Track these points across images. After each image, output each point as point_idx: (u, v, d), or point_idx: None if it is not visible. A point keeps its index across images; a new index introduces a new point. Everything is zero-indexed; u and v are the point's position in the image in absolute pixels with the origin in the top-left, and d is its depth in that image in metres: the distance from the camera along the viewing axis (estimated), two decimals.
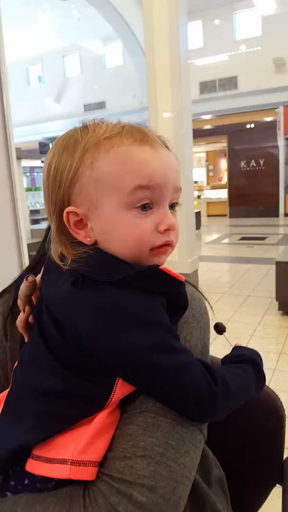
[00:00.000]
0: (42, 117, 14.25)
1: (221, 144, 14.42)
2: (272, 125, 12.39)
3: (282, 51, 11.02)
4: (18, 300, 0.62)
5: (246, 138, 13.06)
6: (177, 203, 0.58)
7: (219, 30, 12.12)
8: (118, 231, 0.53)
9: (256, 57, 11.52)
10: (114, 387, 0.52)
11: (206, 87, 12.36)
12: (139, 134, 0.54)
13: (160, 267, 0.53)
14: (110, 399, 0.52)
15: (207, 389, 0.50)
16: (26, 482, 0.52)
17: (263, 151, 12.86)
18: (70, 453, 0.49)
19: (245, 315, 4.00)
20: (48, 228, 0.73)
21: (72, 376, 0.52)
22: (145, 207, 0.53)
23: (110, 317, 0.49)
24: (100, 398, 0.52)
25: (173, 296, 0.54)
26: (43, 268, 0.60)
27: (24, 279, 0.60)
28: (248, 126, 12.96)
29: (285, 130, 12.19)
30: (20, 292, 0.61)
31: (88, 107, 13.99)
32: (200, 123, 12.61)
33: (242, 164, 13.27)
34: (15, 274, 0.73)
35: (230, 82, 12.15)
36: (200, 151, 15.73)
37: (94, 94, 13.71)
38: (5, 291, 0.76)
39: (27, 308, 0.62)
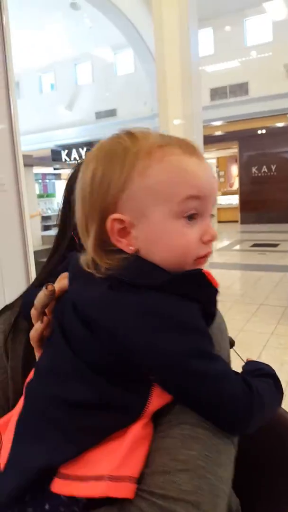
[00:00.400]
0: (54, 125, 14.40)
1: (232, 150, 14.38)
2: (284, 131, 12.32)
3: None
4: (33, 311, 0.61)
5: (257, 144, 13.00)
6: (212, 215, 0.58)
7: (229, 37, 12.14)
8: (165, 240, 0.52)
9: (267, 63, 11.50)
10: (150, 397, 0.50)
11: (217, 93, 12.36)
12: (186, 146, 0.55)
13: (203, 271, 0.54)
14: (145, 409, 0.50)
15: (243, 399, 0.49)
16: (47, 507, 0.47)
17: (274, 157, 12.78)
18: (106, 468, 0.46)
19: (258, 324, 3.96)
20: (57, 243, 0.74)
21: (106, 385, 0.49)
22: (191, 217, 0.53)
23: (149, 319, 0.48)
24: (135, 408, 0.50)
25: (205, 303, 0.53)
26: (68, 275, 0.59)
27: (44, 287, 0.59)
28: (259, 132, 12.91)
29: None
30: (36, 302, 0.60)
31: (99, 115, 14.10)
32: (210, 129, 12.60)
33: (253, 170, 13.20)
34: (21, 281, 0.73)
35: (241, 88, 12.14)
36: (211, 157, 15.71)
37: (105, 101, 13.82)
38: (8, 307, 0.75)
39: (45, 318, 0.60)
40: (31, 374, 0.58)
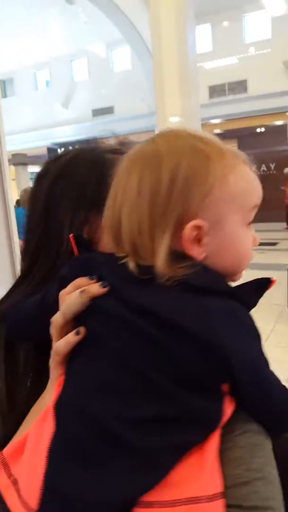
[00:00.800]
0: (50, 123, 14.40)
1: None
2: (283, 129, 12.36)
3: None
4: (61, 319, 0.54)
5: (256, 142, 13.04)
6: None
7: (228, 33, 12.18)
8: (236, 247, 0.54)
9: (266, 60, 11.53)
10: (223, 407, 0.49)
11: (215, 91, 12.40)
12: (241, 154, 0.57)
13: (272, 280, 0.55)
14: (221, 418, 0.48)
15: None
16: None
17: (273, 156, 12.82)
18: (198, 488, 0.44)
19: (257, 323, 3.96)
20: (28, 271, 0.69)
21: (185, 396, 0.47)
22: (248, 225, 0.56)
23: (234, 324, 0.49)
24: (214, 419, 0.48)
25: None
26: (114, 281, 0.54)
27: (79, 292, 0.53)
28: (258, 130, 12.94)
29: None
30: (66, 309, 0.54)
31: (96, 112, 14.11)
32: (209, 127, 12.62)
33: (253, 168, 13.24)
34: (6, 283, 0.70)
35: (239, 86, 12.18)
36: None
37: (102, 99, 13.83)
38: None
39: (82, 328, 0.52)
40: (54, 395, 0.52)
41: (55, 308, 0.56)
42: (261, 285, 0.54)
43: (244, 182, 0.54)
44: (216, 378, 0.48)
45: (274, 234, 10.25)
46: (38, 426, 0.50)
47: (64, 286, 0.56)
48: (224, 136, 13.51)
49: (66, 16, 11.64)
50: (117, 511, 0.43)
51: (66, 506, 0.43)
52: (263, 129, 12.93)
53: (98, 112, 14.06)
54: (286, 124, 12.37)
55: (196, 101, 4.92)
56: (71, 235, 0.62)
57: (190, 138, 0.54)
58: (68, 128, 14.00)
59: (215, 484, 0.44)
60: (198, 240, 0.51)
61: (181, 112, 4.77)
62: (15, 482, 0.49)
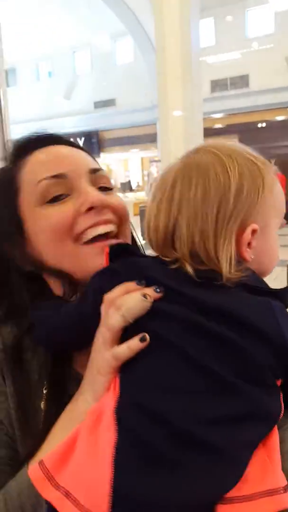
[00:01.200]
0: (52, 114, 14.32)
1: None
2: (285, 124, 12.31)
3: None
4: (121, 323, 0.53)
5: (258, 137, 12.99)
6: None
7: (231, 27, 12.09)
8: (274, 248, 0.61)
9: (268, 55, 11.45)
10: (281, 400, 0.52)
11: (217, 85, 12.33)
12: (272, 166, 0.63)
13: None
14: (281, 413, 0.51)
15: None
16: None
17: (275, 151, 12.77)
18: (274, 480, 0.46)
19: None
20: None
21: (256, 391, 0.49)
22: None
23: (286, 316, 0.54)
24: (276, 414, 0.51)
25: None
26: (171, 284, 0.54)
27: (141, 296, 0.52)
28: (259, 125, 12.89)
29: None
30: (128, 312, 0.52)
31: (98, 104, 14.04)
32: (211, 121, 12.57)
33: None
34: None
35: (241, 80, 12.11)
36: None
37: (104, 91, 13.75)
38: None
39: (146, 335, 0.51)
40: (107, 401, 0.51)
41: (94, 318, 0.55)
42: None
43: (280, 191, 0.61)
44: (276, 372, 0.51)
45: None
46: (90, 433, 0.49)
47: (115, 282, 0.55)
48: (225, 131, 13.46)
49: (69, 7, 11.52)
50: (201, 510, 0.44)
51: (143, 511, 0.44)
52: (264, 124, 12.87)
53: (100, 104, 13.98)
54: (287, 120, 12.31)
55: (198, 95, 4.90)
56: (107, 249, 0.60)
57: (242, 151, 0.59)
58: (70, 119, 13.93)
59: (283, 476, 0.47)
60: (249, 243, 0.56)
61: (183, 106, 4.76)
62: (67, 494, 0.47)
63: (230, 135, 13.60)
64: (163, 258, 0.56)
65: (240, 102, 12.10)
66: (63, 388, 0.62)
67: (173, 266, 0.54)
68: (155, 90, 5.83)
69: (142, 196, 11.51)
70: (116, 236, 0.67)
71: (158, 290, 0.53)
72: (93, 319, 0.55)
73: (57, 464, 0.49)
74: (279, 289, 0.57)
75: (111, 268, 0.59)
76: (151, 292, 0.53)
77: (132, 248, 0.65)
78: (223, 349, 0.49)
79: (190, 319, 0.50)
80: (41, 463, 0.49)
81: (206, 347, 0.49)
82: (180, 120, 4.86)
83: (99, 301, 0.55)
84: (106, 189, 0.68)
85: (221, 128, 13.41)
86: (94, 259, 0.63)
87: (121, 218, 0.68)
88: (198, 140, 4.84)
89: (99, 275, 0.59)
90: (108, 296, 0.54)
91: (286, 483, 0.46)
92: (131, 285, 0.54)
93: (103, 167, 0.79)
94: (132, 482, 0.44)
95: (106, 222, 0.65)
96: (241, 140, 13.30)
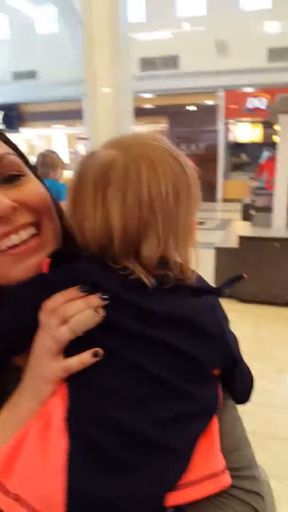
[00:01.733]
0: None
1: (162, 125, 14.55)
2: (213, 109, 12.72)
3: (225, 34, 11.28)
4: (68, 336, 0.53)
5: (187, 121, 13.31)
6: None
7: (162, 4, 12.09)
8: None
9: (199, 37, 11.67)
10: (219, 390, 0.59)
11: (147, 64, 12.34)
12: None
13: None
14: (219, 401, 0.58)
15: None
16: None
17: (203, 135, 13.19)
18: (215, 464, 0.53)
19: None
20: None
21: (201, 390, 0.55)
22: None
23: (223, 314, 0.60)
24: (215, 404, 0.57)
25: None
26: (118, 291, 0.54)
27: (92, 309, 0.52)
28: (188, 108, 13.18)
29: (225, 114, 12.60)
30: (77, 326, 0.52)
31: (17, 75, 13.33)
32: (140, 101, 12.60)
33: (182, 147, 13.52)
34: None
35: (171, 61, 12.23)
36: (139, 130, 15.75)
37: (24, 61, 13.06)
38: None
39: (100, 350, 0.52)
40: (60, 408, 0.52)
41: (27, 327, 0.55)
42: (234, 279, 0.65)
43: None
44: (215, 364, 0.58)
45: (201, 214, 10.60)
46: (40, 438, 0.50)
47: (50, 292, 0.54)
48: (154, 112, 13.57)
49: None
50: (154, 504, 0.49)
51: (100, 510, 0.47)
52: (193, 108, 13.19)
53: (19, 75, 13.29)
54: (216, 104, 12.73)
55: (127, 72, 4.89)
56: (47, 260, 0.58)
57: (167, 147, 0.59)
58: None
59: (222, 458, 0.55)
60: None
61: (113, 83, 4.72)
62: (18, 499, 0.48)
63: (159, 116, 13.76)
64: (107, 262, 0.54)
65: (169, 83, 12.25)
66: (1, 382, 0.62)
67: (122, 272, 0.53)
68: (81, 64, 5.69)
69: (69, 175, 11.23)
70: (38, 234, 0.61)
71: (104, 297, 0.52)
72: (26, 329, 0.55)
73: (4, 469, 0.50)
74: (216, 288, 0.62)
75: (43, 278, 0.57)
76: (97, 301, 0.52)
77: (72, 253, 0.58)
78: (169, 356, 0.53)
79: (138, 330, 0.52)
80: None
81: (153, 356, 0.52)
82: (109, 97, 4.82)
83: (32, 313, 0.54)
84: (16, 177, 0.60)
85: (151, 108, 13.50)
86: (13, 269, 0.58)
87: (39, 211, 0.61)
88: (129, 118, 4.85)
89: (28, 285, 0.57)
90: (49, 305, 0.54)
91: (224, 464, 0.54)
92: (73, 291, 0.54)
93: (23, 143, 0.68)
94: (87, 483, 0.47)
95: (18, 228, 0.58)
96: (170, 122, 13.54)
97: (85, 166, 0.57)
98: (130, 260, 0.54)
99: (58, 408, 0.52)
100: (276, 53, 11.09)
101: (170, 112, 13.38)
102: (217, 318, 0.58)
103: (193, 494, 0.51)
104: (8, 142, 0.64)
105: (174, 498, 0.49)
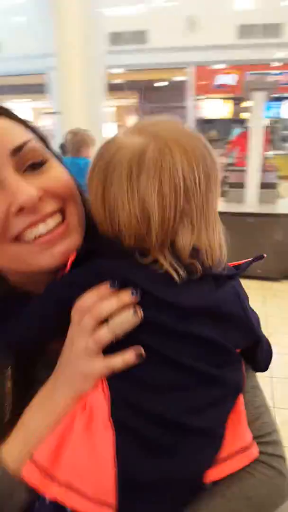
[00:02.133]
0: None
1: (132, 101, 14.39)
2: (184, 85, 12.67)
3: (195, 10, 11.16)
4: (110, 337, 0.55)
5: (157, 96, 13.21)
6: None
7: None
8: None
9: (168, 13, 11.51)
10: (243, 369, 0.63)
11: (116, 38, 12.09)
12: None
13: None
14: (245, 380, 0.63)
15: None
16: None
17: (174, 111, 13.15)
18: (244, 438, 0.59)
19: None
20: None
21: (231, 374, 0.59)
22: None
23: (244, 298, 0.64)
24: (241, 384, 0.62)
25: None
26: (150, 286, 0.55)
27: (132, 310, 0.54)
28: (158, 84, 13.07)
29: (196, 90, 12.59)
30: (118, 327, 0.54)
31: None
32: (110, 76, 12.36)
33: None
34: None
35: (140, 36, 12.04)
36: (111, 105, 15.49)
37: None
38: None
39: (142, 351, 0.54)
40: (103, 402, 0.55)
41: (64, 314, 0.57)
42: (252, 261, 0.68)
43: None
44: (240, 347, 0.63)
45: None
46: (85, 430, 0.54)
47: (76, 293, 0.55)
48: (124, 87, 13.39)
49: None
50: (195, 482, 0.56)
51: (148, 492, 0.53)
52: (163, 83, 13.09)
53: None
54: (185, 81, 12.67)
55: (98, 46, 4.84)
56: (72, 257, 0.58)
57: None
58: None
59: (249, 432, 0.60)
60: None
61: (85, 56, 4.66)
62: (70, 486, 0.52)
63: (129, 91, 13.59)
64: (135, 257, 0.55)
65: (139, 58, 12.08)
66: (31, 371, 0.65)
67: (151, 267, 0.55)
68: (48, 37, 5.55)
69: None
70: (63, 222, 0.61)
71: (134, 293, 0.54)
72: (53, 325, 0.60)
73: (51, 459, 0.54)
74: (232, 273, 0.63)
75: (71, 277, 0.58)
76: (128, 297, 0.53)
77: (98, 249, 0.59)
78: (201, 347, 0.56)
79: (171, 326, 0.55)
80: (33, 461, 0.54)
81: (186, 349, 0.56)
82: (80, 71, 4.76)
83: (64, 312, 0.56)
84: (38, 165, 0.59)
85: (121, 83, 13.31)
86: (40, 257, 0.59)
87: (64, 198, 0.61)
88: (100, 93, 4.81)
89: (56, 284, 0.59)
90: (82, 304, 0.55)
91: (251, 436, 0.60)
92: (103, 289, 0.54)
93: None
94: (134, 469, 0.52)
95: (45, 217, 0.59)
96: (140, 98, 13.40)
97: (111, 155, 0.55)
98: (164, 251, 0.54)
99: (100, 402, 0.55)
100: (246, 30, 11.10)
101: (140, 87, 13.23)
102: (242, 305, 0.61)
103: (228, 469, 0.57)
104: (28, 127, 0.63)
105: (212, 474, 0.56)
